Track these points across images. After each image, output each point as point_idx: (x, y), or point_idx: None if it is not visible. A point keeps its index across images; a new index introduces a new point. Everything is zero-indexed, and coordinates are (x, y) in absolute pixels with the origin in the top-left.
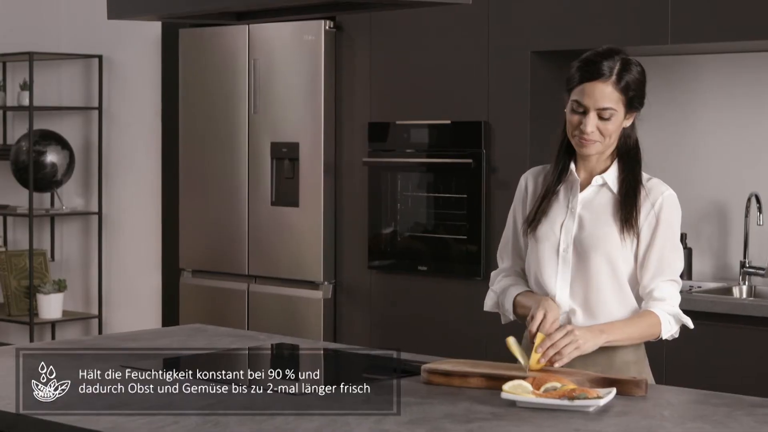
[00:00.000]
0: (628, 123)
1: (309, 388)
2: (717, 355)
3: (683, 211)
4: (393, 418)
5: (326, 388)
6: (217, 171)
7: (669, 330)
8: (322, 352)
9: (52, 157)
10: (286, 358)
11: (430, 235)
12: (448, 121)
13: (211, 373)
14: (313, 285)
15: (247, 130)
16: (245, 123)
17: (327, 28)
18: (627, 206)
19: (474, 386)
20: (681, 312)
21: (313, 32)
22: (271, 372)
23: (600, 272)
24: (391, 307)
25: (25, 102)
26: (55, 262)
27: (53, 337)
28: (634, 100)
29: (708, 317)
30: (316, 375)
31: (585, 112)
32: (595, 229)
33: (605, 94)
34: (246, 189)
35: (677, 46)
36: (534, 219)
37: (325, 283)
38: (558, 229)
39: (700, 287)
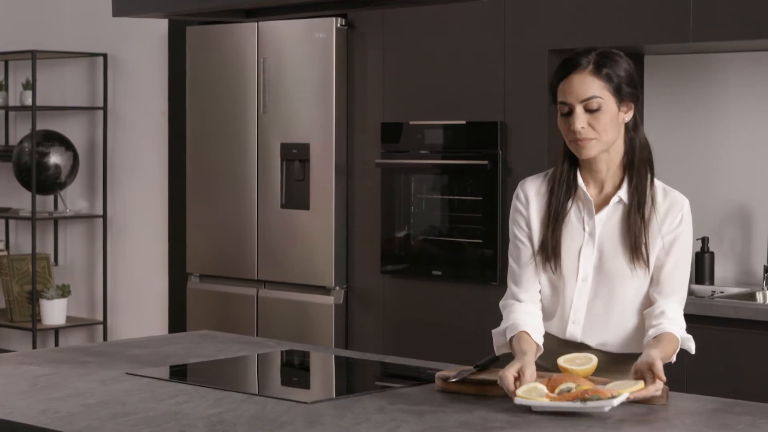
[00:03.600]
0: (626, 117)
1: (320, 397)
2: (740, 362)
3: (705, 214)
4: (408, 426)
5: (338, 397)
6: (226, 173)
7: (681, 347)
8: (333, 359)
9: (55, 158)
10: (296, 365)
11: (444, 238)
12: (463, 122)
13: (219, 381)
14: (324, 290)
15: (256, 131)
16: (254, 123)
17: (338, 25)
18: (635, 232)
19: (489, 394)
20: (687, 337)
21: (324, 30)
22: (280, 379)
23: (625, 302)
24: (405, 313)
25: (28, 102)
26: (59, 266)
27: (57, 344)
28: (621, 87)
29: (730, 323)
30: (327, 383)
31: (571, 111)
32: (618, 256)
33: (585, 83)
34: (255, 191)
35: (699, 44)
36: (548, 246)
37: (337, 288)
38: (576, 257)
39: (722, 292)
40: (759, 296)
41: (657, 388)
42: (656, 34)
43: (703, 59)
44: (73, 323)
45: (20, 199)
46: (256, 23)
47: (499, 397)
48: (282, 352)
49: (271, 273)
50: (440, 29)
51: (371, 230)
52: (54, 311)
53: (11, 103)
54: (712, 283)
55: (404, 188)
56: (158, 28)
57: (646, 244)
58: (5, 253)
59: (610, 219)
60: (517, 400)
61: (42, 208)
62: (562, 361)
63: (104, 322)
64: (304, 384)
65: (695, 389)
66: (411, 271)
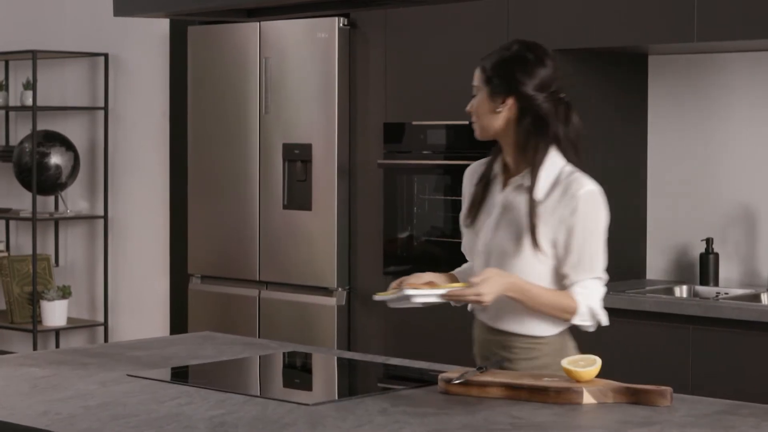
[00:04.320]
0: (499, 108)
1: (322, 399)
2: (744, 363)
3: (709, 215)
4: (410, 428)
5: (340, 399)
6: (227, 173)
7: (582, 319)
8: (335, 360)
9: (56, 158)
10: (298, 367)
11: (447, 239)
12: (466, 122)
13: (220, 382)
14: (326, 291)
15: (258, 131)
16: (256, 123)
17: (341, 25)
18: (523, 213)
19: (493, 396)
20: (598, 309)
21: (327, 29)
22: (282, 381)
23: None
24: (407, 314)
25: (29, 102)
26: (60, 267)
27: (57, 346)
28: (491, 80)
29: (735, 325)
30: (329, 385)
31: None
32: (507, 235)
33: (474, 73)
34: (257, 192)
35: (703, 44)
36: (467, 213)
37: (339, 289)
38: (482, 227)
39: (726, 294)
40: (763, 298)
41: (474, 292)
42: (660, 35)
43: (706, 59)
44: (74, 324)
45: (21, 200)
46: (258, 23)
47: (502, 399)
48: (284, 353)
49: (272, 274)
50: (443, 29)
51: (373, 231)
52: (54, 312)
53: (12, 103)
54: (716, 284)
55: (407, 189)
56: (159, 27)
57: (533, 226)
58: (6, 254)
59: (511, 197)
60: (375, 297)
61: (42, 209)
62: (566, 362)
63: (105, 324)
64: (306, 386)
65: (699, 391)
66: (413, 272)
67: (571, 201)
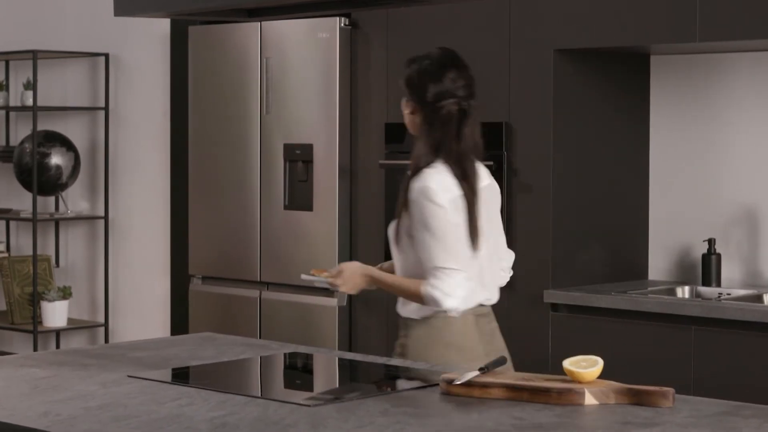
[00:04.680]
0: (405, 110)
1: (323, 400)
2: (746, 364)
3: (712, 215)
4: (411, 429)
5: (341, 400)
6: (228, 173)
7: (431, 303)
8: (336, 361)
9: (56, 159)
10: (299, 368)
11: None
12: None
13: (221, 383)
14: (327, 292)
15: (259, 131)
16: (257, 124)
17: (342, 25)
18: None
19: (495, 397)
20: (439, 296)
21: (328, 29)
22: (283, 382)
23: (398, 267)
24: None
25: (29, 102)
26: (60, 268)
27: (58, 346)
28: (405, 87)
29: (737, 325)
30: (330, 386)
31: None
32: (392, 226)
33: None
34: (258, 192)
35: (705, 44)
36: None
37: None
38: None
39: (729, 294)
40: (766, 298)
41: (331, 282)
42: (662, 35)
43: (709, 59)
44: (75, 325)
45: (21, 200)
46: (259, 23)
47: (504, 400)
48: (285, 354)
49: (274, 275)
50: (444, 29)
51: (375, 232)
52: (55, 313)
53: (12, 104)
54: (718, 284)
55: None
56: (160, 27)
57: (397, 220)
58: (6, 254)
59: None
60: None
61: (43, 209)
62: (567, 363)
63: (106, 324)
64: (308, 386)
65: (701, 392)
66: None
67: (409, 196)
